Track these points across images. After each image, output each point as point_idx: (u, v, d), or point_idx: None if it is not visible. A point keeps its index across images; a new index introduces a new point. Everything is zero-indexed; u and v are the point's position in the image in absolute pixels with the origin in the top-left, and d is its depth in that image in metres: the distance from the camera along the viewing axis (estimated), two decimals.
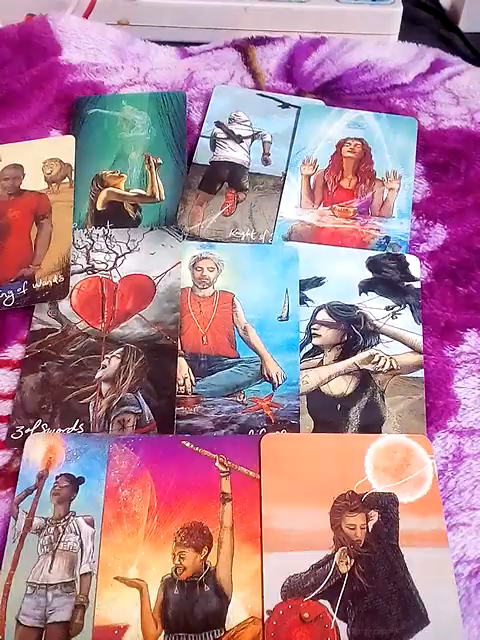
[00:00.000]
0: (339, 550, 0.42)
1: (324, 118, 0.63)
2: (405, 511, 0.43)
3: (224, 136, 0.62)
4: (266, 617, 0.40)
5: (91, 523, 0.43)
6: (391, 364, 0.50)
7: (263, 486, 0.44)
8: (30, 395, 0.49)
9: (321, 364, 0.50)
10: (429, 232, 0.58)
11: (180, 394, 0.49)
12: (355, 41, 0.69)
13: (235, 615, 0.40)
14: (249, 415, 0.48)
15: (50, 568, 0.42)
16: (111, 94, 0.66)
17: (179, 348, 0.50)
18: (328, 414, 0.48)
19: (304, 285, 0.53)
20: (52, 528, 0.43)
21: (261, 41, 0.70)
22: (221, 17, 0.72)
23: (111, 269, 0.55)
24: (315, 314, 0.52)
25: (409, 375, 0.50)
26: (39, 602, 0.41)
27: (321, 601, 0.41)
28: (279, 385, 0.49)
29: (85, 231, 0.57)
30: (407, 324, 0.52)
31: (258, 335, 0.51)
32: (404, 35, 0.73)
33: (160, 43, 0.71)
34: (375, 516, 0.43)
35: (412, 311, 0.52)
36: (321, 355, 0.51)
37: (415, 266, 0.55)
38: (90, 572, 0.42)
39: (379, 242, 0.56)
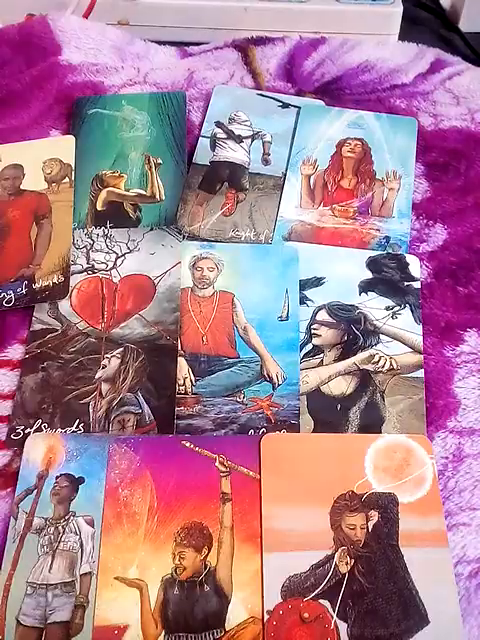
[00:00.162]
0: (339, 550, 0.42)
1: (324, 118, 0.63)
2: (405, 511, 0.43)
3: (224, 136, 0.62)
4: (266, 617, 0.40)
5: (91, 523, 0.43)
6: (391, 364, 0.50)
7: (263, 486, 0.44)
8: (30, 395, 0.49)
9: (321, 364, 0.50)
10: (429, 232, 0.58)
11: (180, 394, 0.49)
12: (355, 41, 0.69)
13: (235, 615, 0.40)
14: (249, 415, 0.48)
15: (50, 568, 0.42)
16: (111, 94, 0.66)
17: (179, 348, 0.50)
18: (328, 414, 0.48)
19: (304, 285, 0.53)
20: (52, 528, 0.43)
21: (261, 41, 0.70)
22: (221, 17, 0.72)
23: (111, 269, 0.55)
24: (315, 314, 0.52)
25: (409, 375, 0.50)
26: (39, 602, 0.41)
27: (321, 601, 0.41)
28: (279, 385, 0.49)
29: (85, 231, 0.57)
30: (407, 324, 0.52)
31: (258, 335, 0.51)
32: (404, 35, 0.73)
33: (160, 43, 0.71)
34: (375, 516, 0.43)
35: (412, 311, 0.52)
36: (321, 355, 0.51)
37: (415, 266, 0.55)
38: (90, 572, 0.42)
39: (379, 242, 0.56)
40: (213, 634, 0.40)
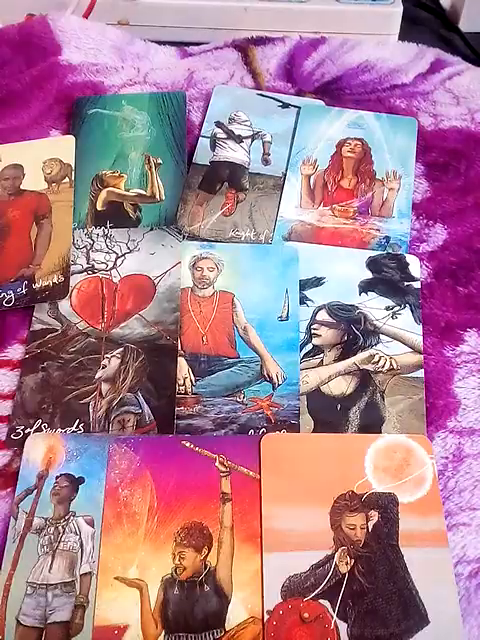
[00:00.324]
0: (339, 550, 0.42)
1: (324, 118, 0.63)
2: (405, 511, 0.43)
3: (224, 136, 0.62)
4: (266, 617, 0.40)
5: (91, 523, 0.43)
6: (391, 364, 0.50)
7: (263, 486, 0.44)
8: (30, 395, 0.49)
9: (321, 364, 0.50)
10: (429, 232, 0.58)
11: (180, 394, 0.49)
12: (355, 41, 0.69)
13: (235, 615, 0.40)
14: (249, 415, 0.48)
15: (50, 568, 0.42)
16: (111, 94, 0.66)
17: (179, 348, 0.50)
18: (328, 414, 0.48)
19: (304, 285, 0.53)
20: (52, 528, 0.43)
21: (261, 41, 0.70)
22: (221, 17, 0.72)
23: (111, 269, 0.55)
24: (315, 314, 0.52)
25: (409, 375, 0.50)
26: (39, 602, 0.41)
27: (321, 601, 0.41)
28: (279, 385, 0.49)
29: (85, 231, 0.57)
30: (407, 324, 0.52)
31: (258, 335, 0.51)
32: (404, 35, 0.73)
33: (160, 43, 0.71)
34: (375, 516, 0.43)
35: (412, 311, 0.52)
36: (321, 355, 0.51)
37: (415, 266, 0.55)
38: (90, 572, 0.42)
39: (379, 242, 0.56)
40: (213, 634, 0.40)
